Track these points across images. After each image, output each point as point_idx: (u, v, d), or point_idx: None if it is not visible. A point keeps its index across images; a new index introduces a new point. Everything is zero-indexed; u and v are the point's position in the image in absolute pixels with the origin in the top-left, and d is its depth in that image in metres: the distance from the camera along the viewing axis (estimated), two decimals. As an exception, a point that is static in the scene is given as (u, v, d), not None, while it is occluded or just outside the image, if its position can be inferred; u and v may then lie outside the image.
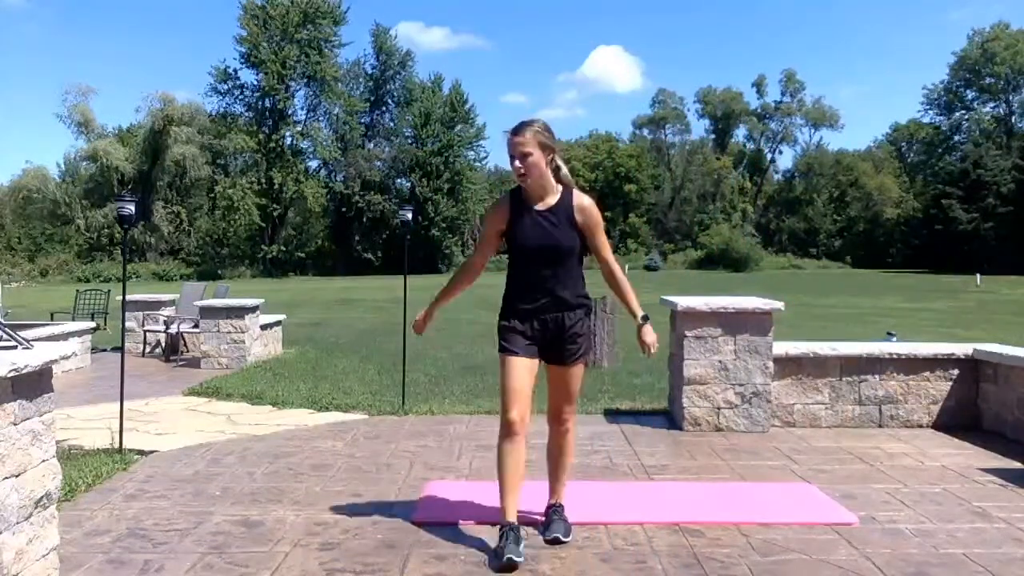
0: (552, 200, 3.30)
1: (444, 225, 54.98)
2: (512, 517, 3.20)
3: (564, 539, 3.31)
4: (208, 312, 9.45)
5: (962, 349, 5.90)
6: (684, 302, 5.68)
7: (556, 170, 3.32)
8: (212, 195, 53.09)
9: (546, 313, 3.29)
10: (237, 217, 50.48)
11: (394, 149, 56.39)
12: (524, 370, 3.24)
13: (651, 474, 4.53)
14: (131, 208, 5.25)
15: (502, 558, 3.02)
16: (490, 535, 3.43)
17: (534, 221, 3.28)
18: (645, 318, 3.38)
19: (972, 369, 5.84)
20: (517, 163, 3.21)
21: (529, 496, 3.98)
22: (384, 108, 58.67)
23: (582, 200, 3.33)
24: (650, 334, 3.37)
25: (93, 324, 10.95)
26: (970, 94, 68.51)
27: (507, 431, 3.20)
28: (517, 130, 3.24)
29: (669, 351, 6.21)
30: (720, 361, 5.65)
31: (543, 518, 3.51)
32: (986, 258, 50.40)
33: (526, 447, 3.27)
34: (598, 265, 3.47)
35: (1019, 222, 53.39)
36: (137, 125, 53.75)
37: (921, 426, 5.80)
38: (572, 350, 3.33)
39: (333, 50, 54.48)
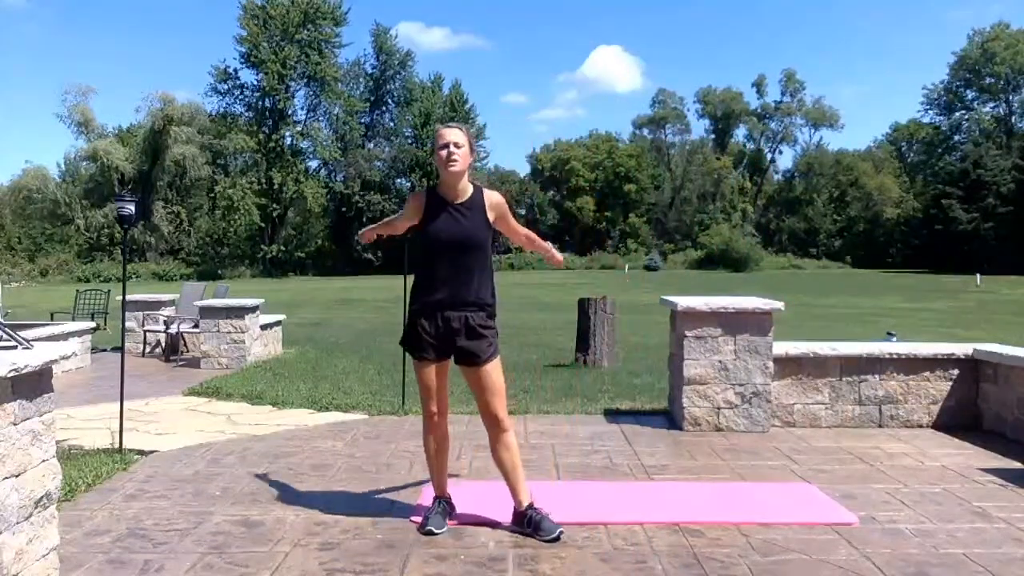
0: (465, 196, 3.47)
1: (444, 225, 54.89)
2: (443, 492, 3.61)
3: (561, 531, 3.35)
4: (208, 312, 9.45)
5: (962, 349, 5.90)
6: (684, 302, 5.68)
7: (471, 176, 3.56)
8: (212, 195, 53.12)
9: (451, 310, 3.39)
10: (237, 217, 50.50)
11: (394, 149, 56.41)
12: (434, 371, 3.46)
13: (651, 474, 4.53)
14: (131, 208, 5.26)
15: (425, 525, 3.43)
16: (490, 535, 3.44)
17: (449, 214, 3.42)
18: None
19: (972, 369, 5.84)
20: (450, 149, 3.38)
21: (537, 498, 3.98)
22: (384, 108, 58.73)
23: (492, 196, 3.52)
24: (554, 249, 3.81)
25: (93, 324, 10.95)
26: (970, 94, 68.55)
27: (430, 423, 3.54)
28: (448, 124, 3.52)
29: (669, 351, 6.21)
30: (720, 361, 5.65)
31: (514, 520, 3.51)
32: (986, 258, 50.42)
33: (448, 434, 3.62)
34: (515, 244, 3.85)
35: (1019, 222, 53.39)
36: (137, 125, 53.81)
37: (921, 426, 5.80)
38: (480, 350, 3.40)
39: (333, 50, 54.54)
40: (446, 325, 3.38)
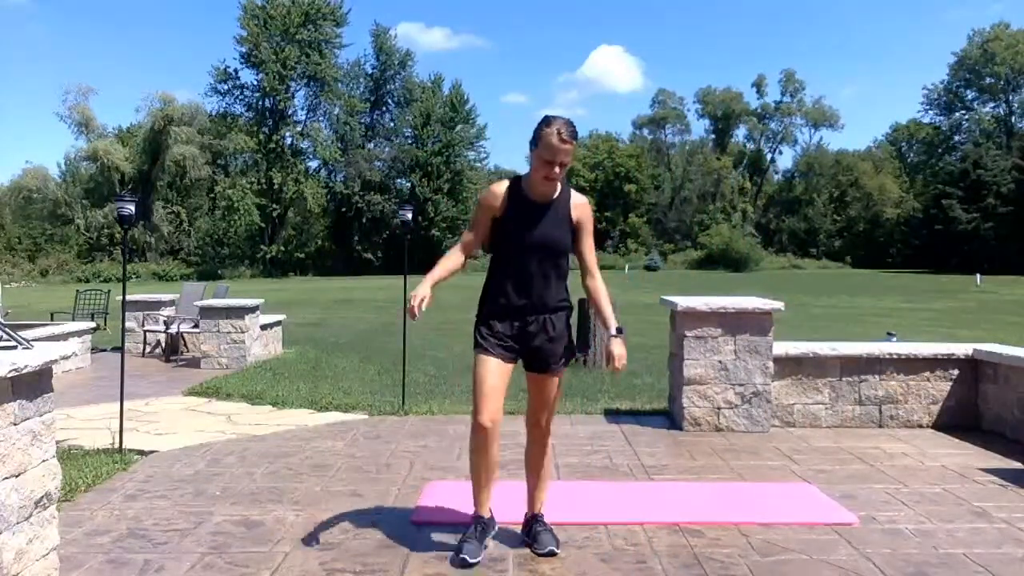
0: (551, 196, 3.17)
1: (444, 225, 54.99)
2: (485, 511, 3.27)
3: (558, 550, 3.21)
4: (208, 312, 9.45)
5: (962, 349, 5.90)
6: (684, 302, 5.68)
7: None
8: (212, 195, 53.13)
9: (530, 314, 3.15)
10: (237, 217, 50.49)
11: (394, 149, 56.40)
12: (498, 371, 3.12)
13: (651, 474, 4.53)
14: (131, 208, 5.26)
15: (459, 553, 3.11)
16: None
17: (533, 214, 3.13)
18: (619, 330, 3.16)
19: (972, 369, 5.84)
20: (557, 170, 3.04)
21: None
22: (384, 108, 58.71)
23: (579, 198, 3.24)
24: (619, 347, 3.11)
25: (93, 324, 10.95)
26: (970, 94, 68.56)
27: (479, 433, 3.10)
28: (571, 136, 3.03)
29: (669, 351, 6.21)
30: (720, 361, 5.65)
31: (523, 529, 3.40)
32: (986, 258, 50.43)
33: (499, 446, 3.22)
34: (579, 267, 3.30)
35: (1019, 222, 53.39)
36: (137, 125, 53.79)
37: (921, 426, 5.80)
38: (554, 357, 3.20)
39: (333, 51, 54.53)
40: (523, 329, 3.15)
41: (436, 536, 3.44)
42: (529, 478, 3.39)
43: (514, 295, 3.14)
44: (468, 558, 3.07)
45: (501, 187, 3.20)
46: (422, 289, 3.01)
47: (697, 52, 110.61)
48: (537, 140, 3.05)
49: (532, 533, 3.31)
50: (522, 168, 68.60)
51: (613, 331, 3.15)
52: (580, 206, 3.21)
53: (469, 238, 3.24)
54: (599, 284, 3.26)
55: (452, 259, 3.21)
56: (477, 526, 3.23)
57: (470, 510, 3.72)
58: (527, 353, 3.20)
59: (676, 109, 77.03)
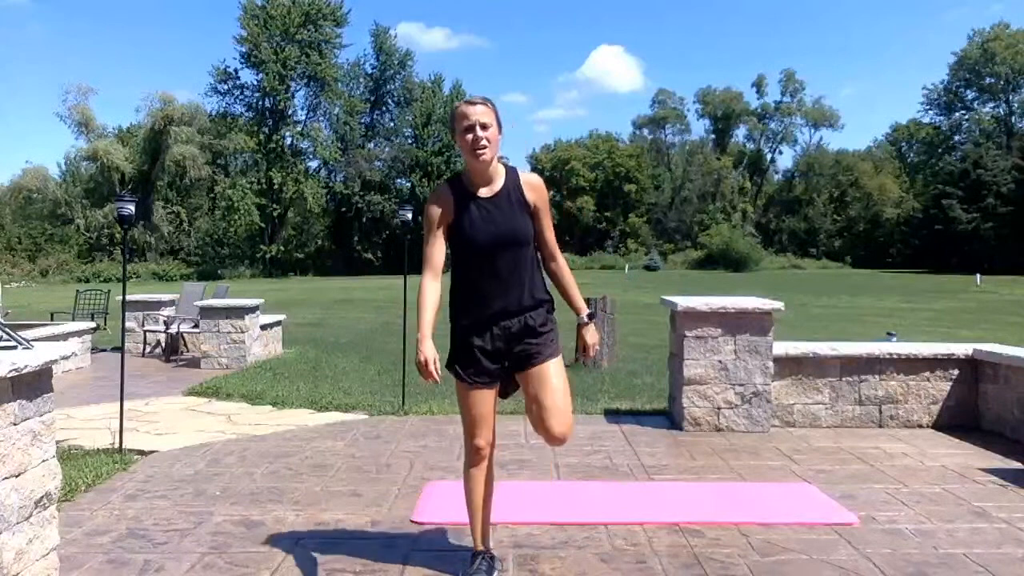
0: (498, 184, 2.86)
1: (444, 225, 54.93)
2: (482, 545, 3.02)
3: None
4: (208, 312, 9.45)
5: (962, 349, 5.90)
6: (684, 302, 5.68)
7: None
8: (212, 195, 53.13)
9: (509, 318, 2.82)
10: (237, 217, 50.48)
11: (394, 149, 56.40)
12: (484, 397, 2.86)
13: (651, 474, 4.53)
14: (131, 208, 5.26)
15: None
16: (491, 535, 3.43)
17: (482, 211, 2.81)
18: (591, 315, 2.99)
19: (972, 369, 5.84)
20: (477, 133, 2.73)
21: (537, 499, 3.98)
22: (384, 108, 58.71)
23: (530, 177, 2.92)
24: (591, 334, 2.95)
25: (93, 324, 10.95)
26: (970, 94, 68.54)
27: (474, 458, 2.94)
28: (472, 101, 2.80)
29: (669, 351, 6.21)
30: (720, 361, 5.65)
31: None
32: (986, 258, 50.40)
33: (492, 470, 3.05)
34: (540, 252, 2.96)
35: (1019, 222, 53.38)
36: (137, 125, 53.78)
37: (921, 426, 5.80)
38: (542, 347, 2.84)
39: (333, 51, 54.54)
40: (505, 335, 2.82)
41: (436, 536, 3.45)
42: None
43: (487, 301, 2.81)
44: None
45: (442, 190, 2.89)
46: (427, 349, 2.69)
47: (697, 52, 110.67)
48: (453, 124, 2.83)
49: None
50: (522, 168, 68.50)
51: (584, 317, 2.95)
52: (532, 186, 2.90)
53: (434, 257, 2.83)
54: (563, 267, 2.99)
55: (431, 294, 2.79)
56: (482, 560, 2.97)
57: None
58: (514, 359, 2.86)
59: (676, 109, 77.04)
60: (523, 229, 2.84)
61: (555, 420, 2.80)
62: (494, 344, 2.84)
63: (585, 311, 2.99)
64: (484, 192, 2.85)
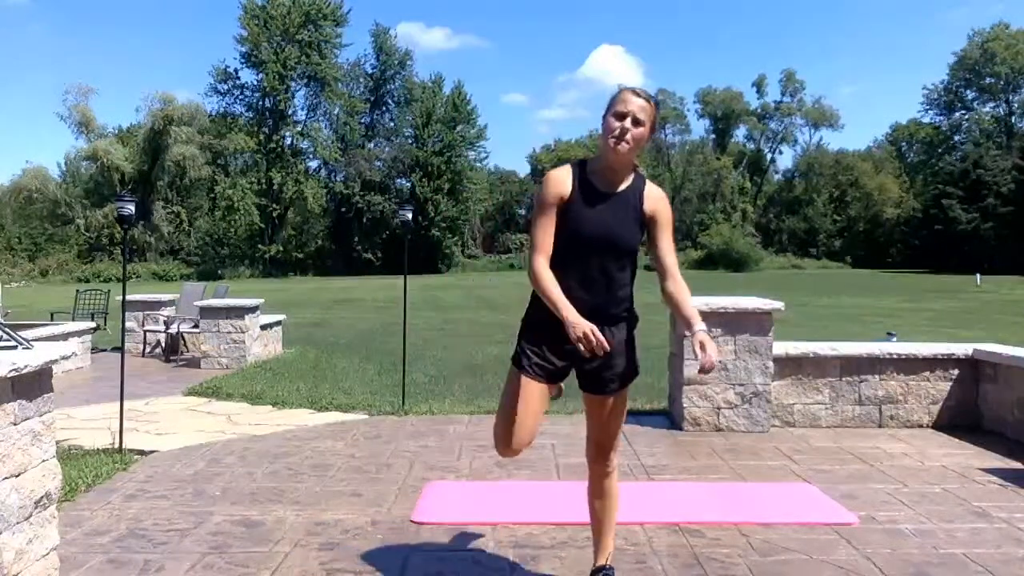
0: (622, 186, 2.67)
1: (444, 225, 55.02)
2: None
3: None
4: (208, 312, 9.45)
5: (962, 349, 5.90)
6: (684, 302, 5.67)
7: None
8: (212, 195, 53.13)
9: (587, 319, 2.53)
10: (237, 217, 50.52)
11: (394, 149, 56.42)
12: (537, 398, 2.67)
13: (651, 474, 4.53)
14: (131, 208, 5.26)
15: None
16: (490, 535, 3.43)
17: (597, 205, 2.63)
18: (705, 328, 2.58)
19: (972, 369, 5.84)
20: (627, 123, 2.55)
21: (537, 499, 3.98)
22: (384, 108, 58.74)
23: (654, 189, 2.71)
24: (710, 346, 2.48)
25: (93, 324, 10.94)
26: (970, 94, 68.53)
27: (504, 456, 2.78)
28: (639, 93, 2.60)
29: (669, 351, 6.22)
30: (720, 361, 5.63)
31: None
32: (986, 258, 50.40)
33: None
34: (656, 269, 2.72)
35: (1019, 222, 53.38)
36: (137, 125, 53.81)
37: (921, 426, 5.80)
38: (615, 375, 2.70)
39: (333, 51, 54.57)
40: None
41: (436, 536, 3.44)
42: (593, 520, 2.89)
43: (574, 295, 2.59)
44: None
45: (564, 170, 2.69)
46: (583, 321, 2.47)
47: (697, 52, 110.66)
48: (610, 104, 2.62)
49: None
50: (522, 168, 68.38)
51: (698, 327, 2.55)
52: (655, 198, 2.69)
53: (546, 241, 2.63)
54: (680, 286, 2.68)
55: (550, 274, 2.60)
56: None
57: (470, 510, 3.73)
58: (580, 370, 2.71)
59: (676, 109, 76.94)
60: (629, 237, 2.66)
61: (606, 445, 2.79)
62: (566, 347, 2.59)
63: (698, 320, 2.58)
64: (605, 188, 2.66)
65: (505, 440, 2.67)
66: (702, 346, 2.47)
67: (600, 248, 2.62)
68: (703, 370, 2.48)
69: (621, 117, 2.56)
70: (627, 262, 2.69)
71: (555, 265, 2.63)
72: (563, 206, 2.63)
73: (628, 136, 2.56)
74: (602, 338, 2.43)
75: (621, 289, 2.69)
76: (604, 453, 2.80)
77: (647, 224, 2.69)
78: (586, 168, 2.68)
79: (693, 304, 2.68)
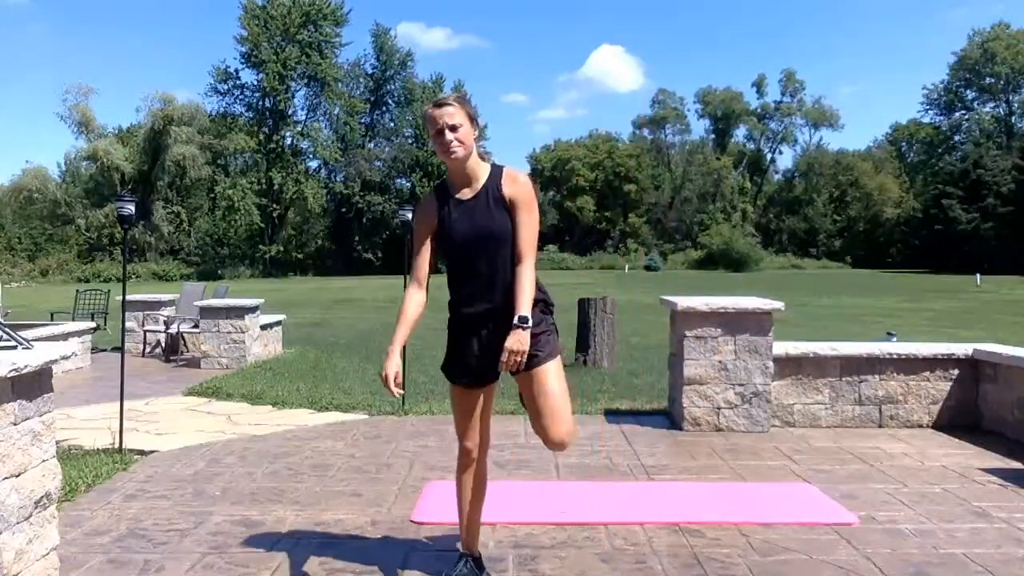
0: (479, 184, 2.80)
1: (444, 225, 54.98)
2: (472, 547, 3.01)
3: None
4: (208, 312, 9.45)
5: (962, 349, 5.90)
6: (684, 302, 5.68)
7: (481, 152, 2.89)
8: (212, 195, 53.14)
9: (495, 319, 2.73)
10: (237, 217, 50.53)
11: (394, 149, 56.41)
12: (467, 396, 2.85)
13: (651, 474, 4.53)
14: (131, 208, 5.26)
15: None
16: (490, 535, 3.43)
17: (461, 211, 2.78)
18: (523, 320, 2.62)
19: (972, 369, 5.84)
20: (448, 135, 2.69)
21: (537, 499, 3.98)
22: (384, 108, 58.74)
23: (512, 172, 2.82)
24: (513, 340, 2.59)
25: (93, 324, 10.95)
26: (970, 94, 68.54)
27: (461, 460, 2.92)
28: (440, 102, 2.76)
29: (669, 351, 6.22)
30: (720, 361, 5.65)
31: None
32: (986, 258, 50.39)
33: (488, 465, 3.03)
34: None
35: (1019, 222, 53.38)
36: (137, 125, 53.79)
37: (921, 426, 5.80)
38: (537, 350, 2.71)
39: (334, 51, 54.57)
40: (491, 336, 2.74)
41: (436, 536, 3.44)
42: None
43: (472, 301, 2.77)
44: None
45: (427, 198, 2.89)
46: (390, 365, 2.72)
47: (697, 52, 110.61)
48: (428, 128, 2.81)
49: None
50: (522, 168, 68.34)
51: (515, 319, 2.62)
52: (511, 181, 2.79)
53: (419, 268, 2.85)
54: (523, 272, 2.70)
55: (412, 305, 2.81)
56: (465, 562, 2.94)
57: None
58: (498, 361, 2.71)
59: (676, 109, 76.98)
60: (499, 226, 2.75)
61: (553, 425, 2.72)
62: (481, 343, 2.78)
63: (518, 314, 2.63)
64: (466, 193, 2.81)
65: (461, 438, 2.90)
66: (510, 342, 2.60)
67: (479, 245, 2.75)
68: (503, 365, 2.63)
69: (439, 133, 2.72)
70: (506, 249, 2.75)
71: (451, 275, 2.84)
72: (436, 226, 2.83)
73: (453, 144, 2.71)
74: (392, 387, 2.72)
75: (511, 276, 2.75)
76: (552, 437, 2.75)
77: (509, 209, 2.77)
78: (445, 186, 2.87)
79: (528, 296, 2.69)
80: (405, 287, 2.86)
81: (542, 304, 2.84)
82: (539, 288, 2.82)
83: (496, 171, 2.83)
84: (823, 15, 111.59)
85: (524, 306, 2.65)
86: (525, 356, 2.61)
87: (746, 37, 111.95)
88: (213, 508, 3.86)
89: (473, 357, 2.80)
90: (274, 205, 52.27)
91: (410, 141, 56.87)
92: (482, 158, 2.86)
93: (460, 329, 2.84)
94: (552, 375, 2.75)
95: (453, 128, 2.71)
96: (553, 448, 2.81)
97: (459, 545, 3.05)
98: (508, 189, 2.77)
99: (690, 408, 5.65)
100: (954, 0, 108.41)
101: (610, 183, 69.64)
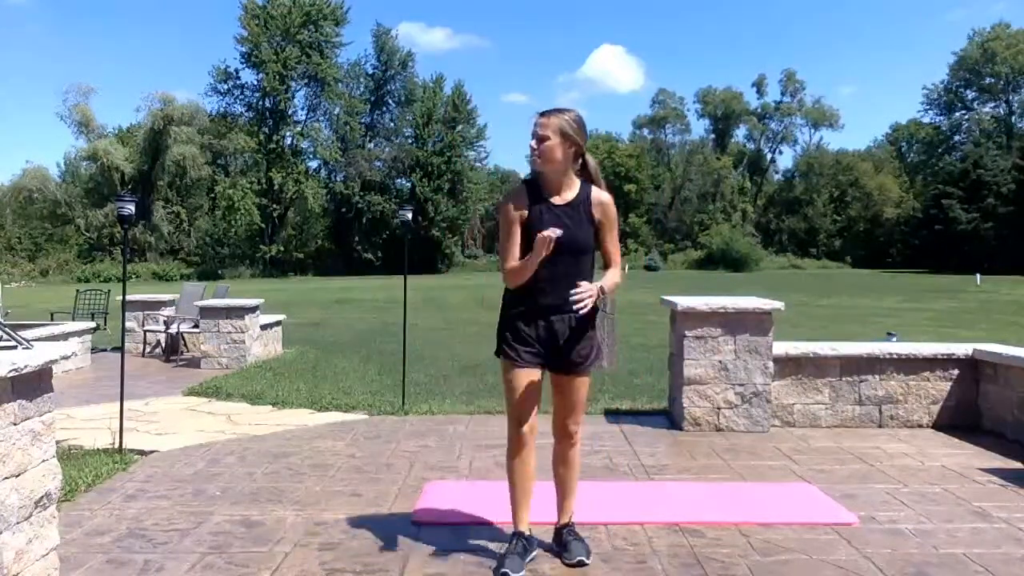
0: (570, 195, 3.13)
1: (444, 225, 55.03)
2: (523, 526, 3.17)
3: (587, 560, 3.11)
4: (208, 312, 9.45)
5: (962, 349, 5.90)
6: (684, 302, 5.68)
7: (583, 166, 3.18)
8: (212, 195, 53.15)
9: (555, 314, 3.08)
10: (237, 217, 50.53)
11: (394, 149, 56.41)
12: (530, 380, 3.09)
13: (651, 474, 4.53)
14: (131, 208, 5.26)
15: (500, 567, 3.01)
16: (490, 535, 3.44)
17: (551, 215, 3.07)
18: (602, 289, 3.05)
19: (972, 369, 5.84)
20: (532, 144, 3.07)
21: (537, 499, 3.98)
22: (385, 108, 58.72)
23: (601, 195, 3.16)
24: (592, 290, 2.95)
25: (93, 324, 10.94)
26: (970, 94, 68.59)
27: (516, 444, 3.12)
28: (545, 112, 3.09)
29: (669, 351, 6.21)
30: (720, 361, 5.65)
31: (554, 539, 3.28)
32: (986, 258, 50.39)
33: (535, 454, 3.18)
34: (603, 262, 3.24)
35: (1019, 222, 53.37)
36: (137, 125, 53.80)
37: (921, 426, 5.80)
38: (581, 357, 3.13)
39: (334, 50, 54.56)
40: (549, 329, 3.09)
41: (436, 536, 3.44)
42: (557, 488, 3.29)
43: (540, 295, 3.07)
44: (511, 572, 2.97)
45: (518, 190, 3.18)
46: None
47: (697, 52, 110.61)
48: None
49: (563, 542, 3.20)
50: (522, 168, 68.32)
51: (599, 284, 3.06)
52: (601, 204, 3.15)
53: (512, 251, 3.09)
54: (613, 271, 3.20)
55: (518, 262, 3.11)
56: (518, 542, 3.12)
57: (470, 510, 3.73)
58: (553, 355, 3.12)
59: (676, 109, 77.01)
60: (585, 239, 3.10)
61: (572, 421, 3.22)
62: (539, 334, 3.10)
63: (602, 284, 3.06)
64: (556, 200, 3.12)
65: (516, 420, 3.11)
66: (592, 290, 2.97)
67: (562, 251, 2.99)
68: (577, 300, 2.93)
69: (533, 137, 3.09)
70: (583, 261, 3.12)
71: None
72: (526, 221, 3.10)
73: (535, 152, 3.07)
74: (549, 232, 2.90)
75: (583, 282, 3.02)
76: (567, 430, 3.22)
77: (597, 227, 3.16)
78: (537, 185, 3.16)
79: (611, 283, 3.15)
80: (504, 270, 3.12)
81: (593, 312, 3.13)
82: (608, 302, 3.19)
83: (587, 188, 3.17)
84: (823, 15, 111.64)
85: (607, 282, 3.11)
86: (591, 299, 2.95)
87: (746, 37, 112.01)
88: (213, 508, 3.86)
89: (535, 342, 3.10)
90: (274, 205, 52.27)
91: (410, 141, 56.86)
92: (584, 173, 3.19)
93: (522, 318, 3.12)
94: (587, 384, 3.25)
95: (540, 139, 3.06)
96: (562, 439, 3.22)
97: (515, 524, 3.20)
98: (598, 210, 3.15)
99: (690, 408, 5.65)
100: (954, 0, 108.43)
101: (610, 183, 68.90)
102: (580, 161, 3.16)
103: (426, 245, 52.00)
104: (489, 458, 4.77)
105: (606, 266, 3.22)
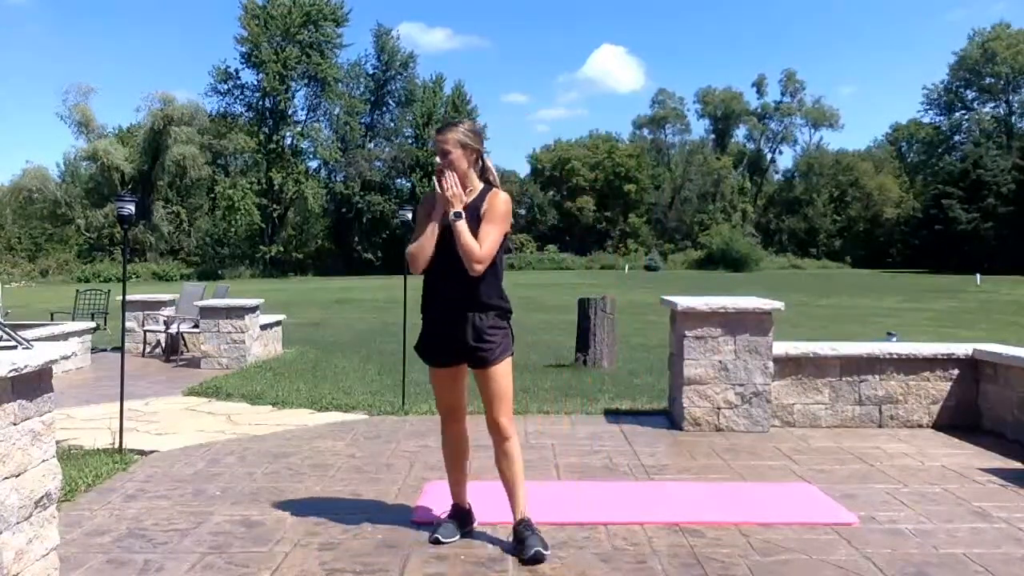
0: (471, 198, 3.30)
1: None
2: (460, 499, 3.48)
3: (545, 552, 3.12)
4: (208, 312, 9.45)
5: (962, 349, 5.90)
6: (684, 302, 5.68)
7: (483, 171, 3.38)
8: (212, 195, 53.14)
9: (455, 314, 3.25)
10: (237, 217, 50.52)
11: (395, 149, 56.41)
12: (443, 375, 3.39)
13: (651, 474, 4.53)
14: (131, 208, 5.25)
15: (433, 533, 3.36)
16: (490, 535, 3.44)
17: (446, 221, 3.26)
18: (457, 214, 3.21)
19: (972, 369, 5.84)
20: (437, 160, 3.30)
21: (537, 499, 3.98)
22: (385, 108, 58.73)
23: (492, 192, 3.31)
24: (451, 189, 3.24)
25: (93, 324, 10.95)
26: (970, 94, 68.60)
27: (444, 427, 3.53)
28: (441, 129, 3.33)
29: (669, 351, 6.21)
30: (720, 361, 5.65)
31: (512, 537, 3.28)
32: (986, 258, 50.39)
33: (467, 434, 3.54)
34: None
35: (1019, 222, 53.38)
36: (137, 125, 53.78)
37: (921, 426, 5.80)
38: (485, 353, 3.23)
39: (334, 51, 54.57)
40: (452, 328, 3.26)
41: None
42: (504, 482, 3.34)
43: (439, 296, 3.31)
44: (441, 537, 3.30)
45: (429, 195, 3.40)
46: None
47: (697, 52, 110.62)
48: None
49: (520, 539, 3.20)
50: (522, 168, 68.37)
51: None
52: (488, 199, 3.29)
53: (416, 241, 3.36)
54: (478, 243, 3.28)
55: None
56: (456, 514, 3.45)
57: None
58: (464, 352, 3.28)
59: (676, 109, 77.02)
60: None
61: (492, 410, 3.30)
62: (445, 334, 3.29)
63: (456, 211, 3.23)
64: (457, 204, 3.27)
65: (441, 417, 3.54)
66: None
67: (451, 252, 3.22)
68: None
69: (438, 155, 3.33)
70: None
71: (428, 272, 3.33)
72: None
73: (443, 166, 3.28)
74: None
75: (486, 285, 3.25)
76: (495, 426, 3.31)
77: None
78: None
79: (471, 243, 3.21)
80: (403, 285, 3.34)
81: (500, 310, 3.31)
82: (500, 296, 3.32)
83: (485, 190, 3.34)
84: (823, 15, 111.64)
85: (466, 232, 3.21)
86: (449, 184, 3.22)
87: (746, 37, 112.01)
88: (213, 508, 3.86)
89: (442, 344, 3.32)
90: (274, 205, 52.26)
91: (410, 141, 56.86)
92: (484, 178, 3.38)
93: (429, 319, 3.38)
94: (502, 375, 3.29)
95: (443, 154, 3.29)
96: (494, 431, 3.31)
97: (451, 497, 3.53)
98: (484, 205, 3.27)
99: (690, 408, 5.65)
100: (954, 0, 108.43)
101: (610, 183, 69.63)
102: (480, 164, 3.37)
103: (426, 245, 51.91)
104: (488, 458, 4.75)
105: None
